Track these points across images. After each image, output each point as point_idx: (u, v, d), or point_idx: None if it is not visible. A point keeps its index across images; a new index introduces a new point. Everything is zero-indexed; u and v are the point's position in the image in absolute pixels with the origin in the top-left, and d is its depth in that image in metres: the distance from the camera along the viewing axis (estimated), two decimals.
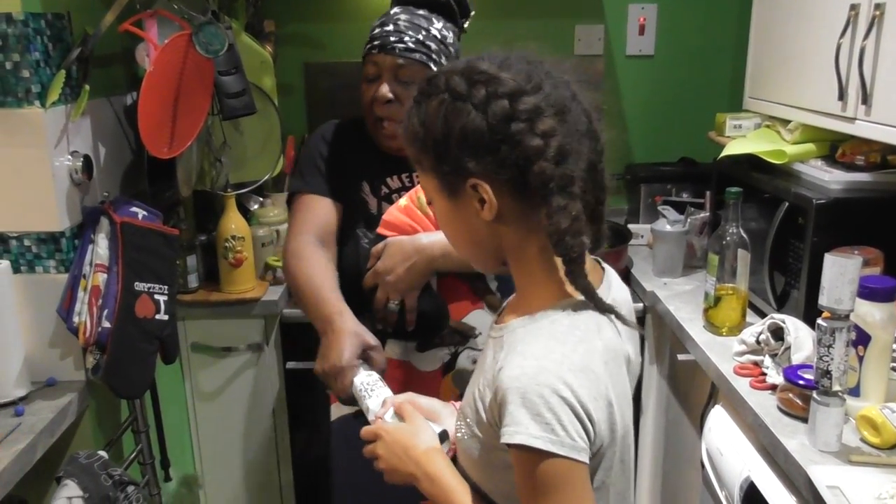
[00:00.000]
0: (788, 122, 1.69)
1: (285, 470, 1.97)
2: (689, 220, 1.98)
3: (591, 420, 0.74)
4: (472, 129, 0.76)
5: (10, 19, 1.27)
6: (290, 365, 1.89)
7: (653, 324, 1.88)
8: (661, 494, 1.99)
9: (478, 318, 1.32)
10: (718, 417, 1.44)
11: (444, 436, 0.91)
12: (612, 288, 0.88)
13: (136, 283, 1.42)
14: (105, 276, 1.38)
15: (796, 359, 1.32)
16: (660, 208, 1.99)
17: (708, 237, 1.90)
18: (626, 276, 1.95)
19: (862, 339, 1.16)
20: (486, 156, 0.76)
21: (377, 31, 1.31)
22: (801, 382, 1.22)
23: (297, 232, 1.32)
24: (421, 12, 1.32)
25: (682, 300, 1.78)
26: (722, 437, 1.38)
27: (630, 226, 2.17)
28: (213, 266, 1.88)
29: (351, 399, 1.08)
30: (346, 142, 1.39)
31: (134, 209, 1.47)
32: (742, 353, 1.45)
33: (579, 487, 0.74)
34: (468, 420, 0.83)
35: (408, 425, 0.92)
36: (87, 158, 1.41)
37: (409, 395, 0.99)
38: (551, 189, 0.75)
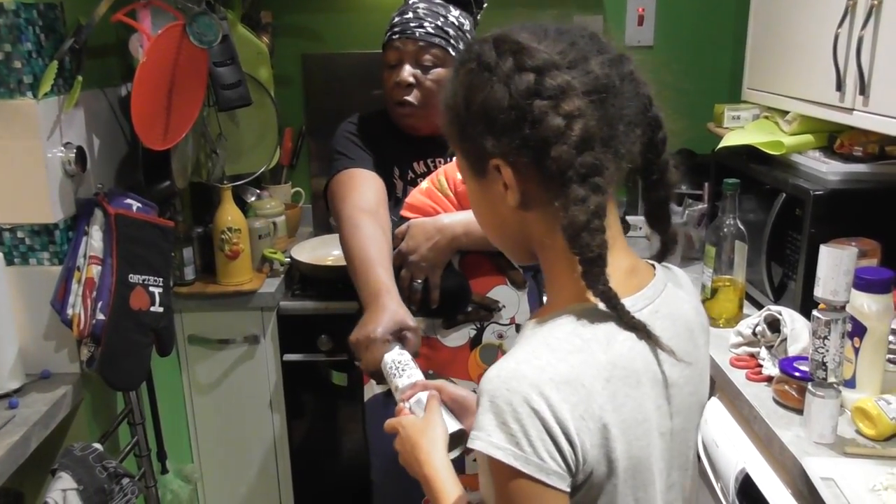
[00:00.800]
0: (787, 112, 1.68)
1: (283, 461, 1.98)
2: (687, 211, 1.97)
3: (570, 441, 0.64)
4: (493, 104, 0.69)
5: (2, 9, 1.27)
6: (288, 357, 1.89)
7: None
8: None
9: (502, 292, 1.36)
10: (714, 409, 1.43)
11: (459, 435, 0.88)
12: (661, 298, 0.75)
13: (131, 275, 1.42)
14: (99, 268, 1.38)
15: (792, 350, 1.31)
16: None
17: (706, 228, 1.89)
18: None
19: (857, 330, 1.16)
20: (504, 134, 0.69)
21: (397, 19, 1.36)
22: (796, 374, 1.22)
23: (352, 198, 1.30)
24: (438, 1, 1.38)
25: None
26: (717, 429, 1.38)
27: (628, 217, 2.16)
28: (209, 258, 1.87)
29: (378, 374, 1.06)
30: (373, 129, 1.42)
31: (128, 201, 1.46)
32: (738, 345, 1.44)
33: None
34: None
35: (421, 421, 0.87)
36: (80, 150, 1.41)
37: (441, 383, 0.95)
38: (569, 177, 0.66)
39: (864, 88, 1.34)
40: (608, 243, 0.67)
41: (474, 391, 0.88)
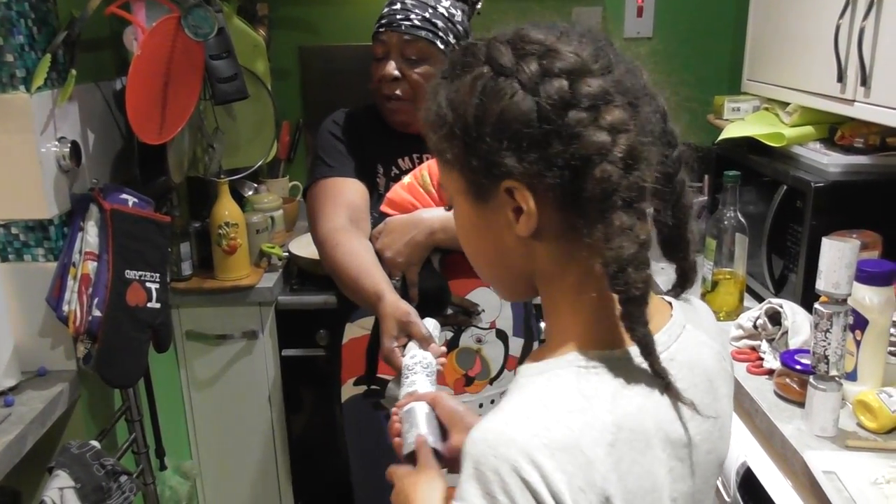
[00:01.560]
0: (787, 104, 1.67)
1: (282, 456, 1.97)
2: None
3: None
4: (517, 115, 0.59)
5: None
6: (286, 352, 1.88)
7: None
8: None
9: (482, 295, 1.32)
10: None
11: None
12: (678, 343, 0.66)
13: (127, 270, 1.40)
14: (95, 264, 1.36)
15: (793, 343, 1.31)
16: None
17: (706, 221, 1.88)
18: None
19: (859, 323, 1.15)
20: (530, 151, 0.58)
21: (385, 10, 1.33)
22: (798, 367, 1.21)
23: (327, 218, 1.27)
24: None
25: None
26: None
27: None
28: (206, 253, 1.86)
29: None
30: (358, 126, 1.39)
31: (124, 196, 1.45)
32: (739, 338, 1.44)
33: None
34: None
35: (413, 476, 0.78)
36: (74, 144, 1.39)
37: (437, 395, 0.90)
38: (613, 203, 0.57)
39: (865, 79, 1.33)
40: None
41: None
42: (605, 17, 2.23)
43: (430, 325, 1.07)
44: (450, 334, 1.33)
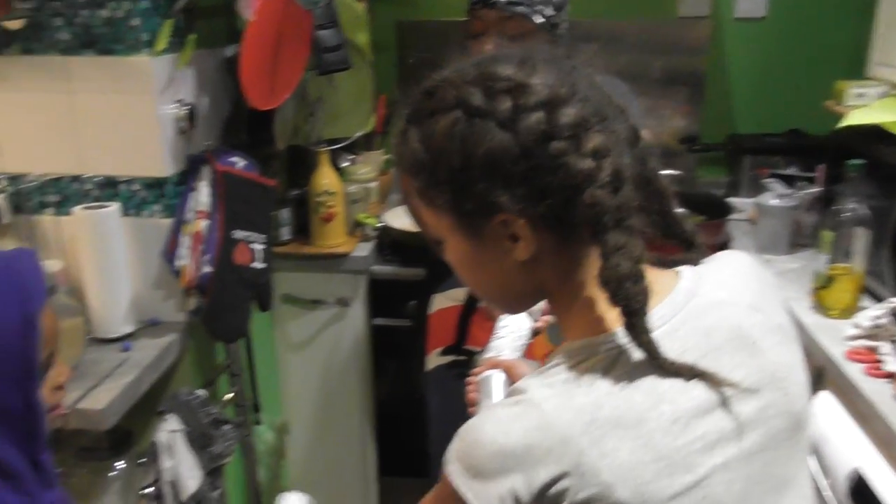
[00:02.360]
0: None
1: (367, 421, 2.01)
2: (799, 194, 1.86)
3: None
4: (501, 154, 0.61)
5: None
6: (377, 321, 1.90)
7: None
8: None
9: None
10: (825, 403, 1.35)
11: None
12: (685, 312, 0.66)
13: (235, 230, 1.45)
14: (206, 222, 1.42)
15: None
16: (766, 181, 1.88)
17: (818, 213, 1.78)
18: None
19: None
20: (520, 186, 0.61)
21: None
22: None
23: None
24: None
25: (787, 279, 1.67)
26: (828, 424, 1.30)
27: (730, 199, 2.05)
28: (304, 220, 1.91)
29: None
30: None
31: (234, 159, 1.50)
32: (855, 338, 1.35)
33: None
34: None
35: None
36: (191, 107, 1.45)
37: (514, 363, 0.91)
38: (605, 224, 0.60)
39: None
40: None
41: None
42: None
43: None
44: None
